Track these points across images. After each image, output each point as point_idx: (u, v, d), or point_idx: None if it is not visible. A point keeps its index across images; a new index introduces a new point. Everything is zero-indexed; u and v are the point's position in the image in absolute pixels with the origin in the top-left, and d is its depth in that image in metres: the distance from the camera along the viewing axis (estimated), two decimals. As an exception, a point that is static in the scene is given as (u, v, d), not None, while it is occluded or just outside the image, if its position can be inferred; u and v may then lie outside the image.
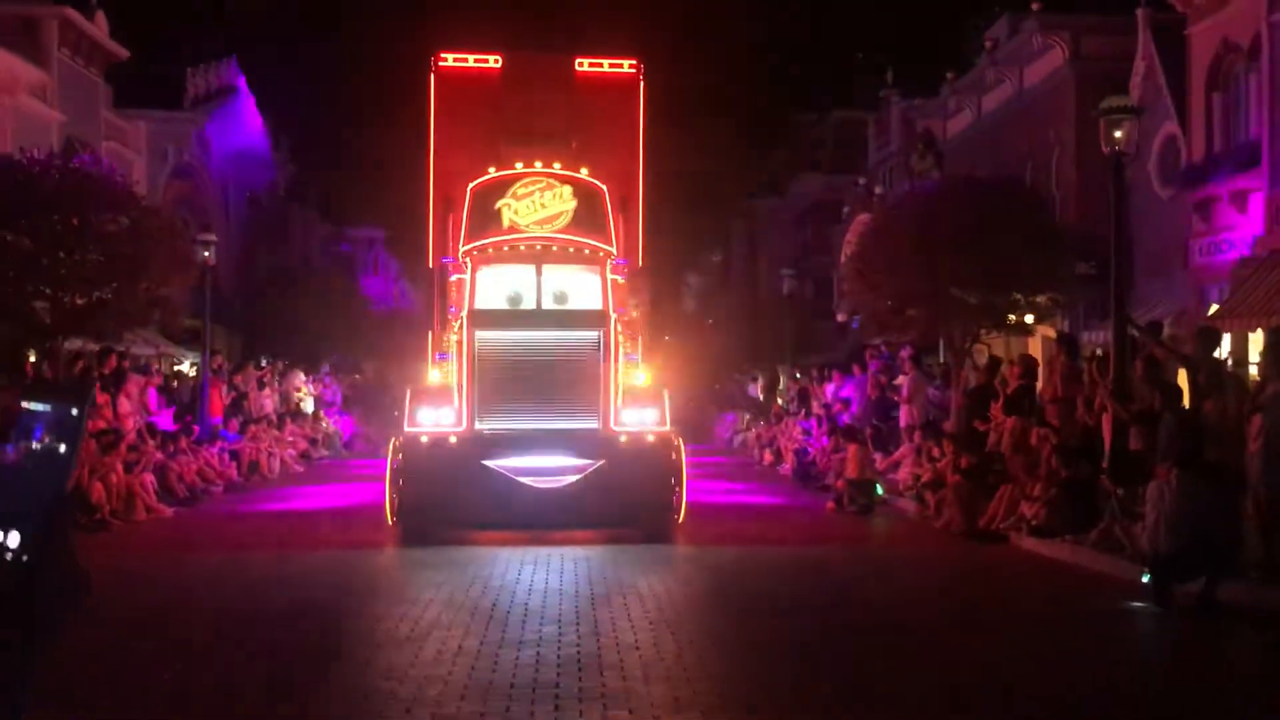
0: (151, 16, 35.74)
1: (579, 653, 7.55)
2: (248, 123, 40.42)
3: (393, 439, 12.90)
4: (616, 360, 12.73)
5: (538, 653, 7.54)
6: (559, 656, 7.45)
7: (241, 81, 39.43)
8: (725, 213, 56.35)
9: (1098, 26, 24.67)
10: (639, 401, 12.82)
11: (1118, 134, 12.45)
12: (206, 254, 21.00)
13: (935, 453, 15.61)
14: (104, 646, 7.56)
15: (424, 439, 12.35)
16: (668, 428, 12.75)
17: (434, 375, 14.01)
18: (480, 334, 12.43)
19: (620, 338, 13.06)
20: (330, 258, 48.95)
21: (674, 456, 12.65)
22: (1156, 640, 8.76)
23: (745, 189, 53.86)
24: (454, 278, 13.97)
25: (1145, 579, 9.44)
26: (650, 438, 12.52)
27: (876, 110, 40.07)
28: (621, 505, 12.32)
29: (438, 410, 12.55)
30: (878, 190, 35.51)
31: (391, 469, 12.65)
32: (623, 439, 12.40)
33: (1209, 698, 6.97)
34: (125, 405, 16.40)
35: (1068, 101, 24.41)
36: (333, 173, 52.97)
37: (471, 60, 15.07)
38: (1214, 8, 19.71)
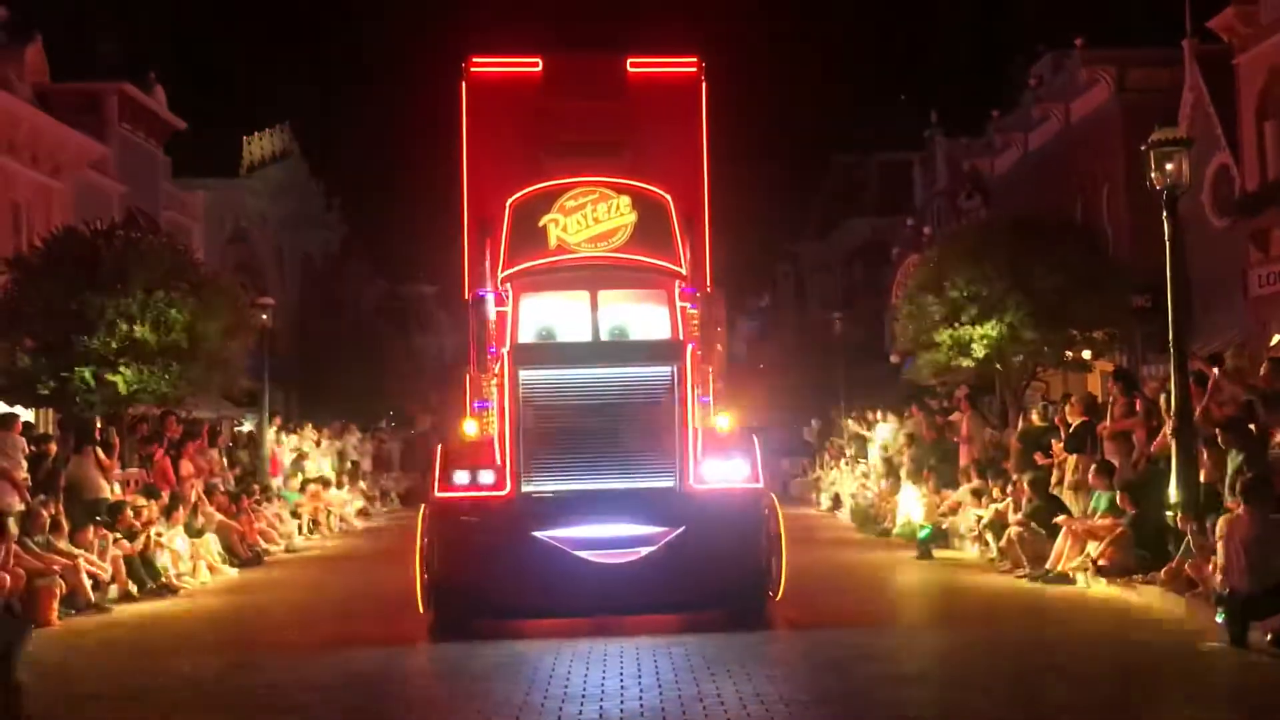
0: (208, 88, 36.83)
1: (642, 706, 7.49)
2: (302, 186, 41.31)
3: (422, 506, 10.91)
4: (693, 402, 10.51)
5: (600, 707, 7.51)
6: (622, 711, 7.40)
7: (295, 146, 40.37)
8: (771, 256, 56.37)
9: (1143, 59, 24.51)
10: (723, 452, 10.52)
11: (1169, 166, 12.29)
12: (264, 317, 21.40)
13: (996, 494, 15.40)
14: (176, 703, 7.64)
15: (459, 506, 10.26)
16: (760, 484, 10.51)
17: (470, 426, 11.51)
18: (525, 374, 10.27)
19: (695, 375, 10.82)
20: (384, 315, 49.60)
21: (768, 517, 10.55)
22: (1235, 685, 8.50)
23: (790, 232, 53.90)
24: (493, 311, 11.40)
25: (1220, 619, 9.20)
26: (739, 497, 10.32)
27: (921, 150, 40.05)
28: (705, 582, 10.06)
29: (475, 470, 10.33)
30: (926, 231, 35.38)
31: (421, 544, 10.54)
32: (705, 499, 10.20)
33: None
34: (186, 468, 16.65)
35: (1115, 135, 24.20)
36: (385, 231, 53.89)
37: (508, 65, 13.18)
38: (1260, 37, 19.56)
